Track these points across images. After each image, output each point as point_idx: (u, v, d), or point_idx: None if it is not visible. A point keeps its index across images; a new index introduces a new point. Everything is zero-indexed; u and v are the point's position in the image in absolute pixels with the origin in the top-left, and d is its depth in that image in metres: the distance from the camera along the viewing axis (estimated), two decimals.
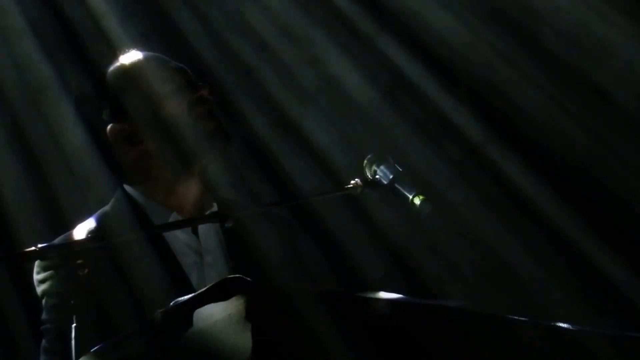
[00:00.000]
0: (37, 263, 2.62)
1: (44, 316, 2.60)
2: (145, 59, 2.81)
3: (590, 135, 4.37)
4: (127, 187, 2.77)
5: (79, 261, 2.15)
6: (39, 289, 2.62)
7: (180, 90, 2.74)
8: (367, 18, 4.56)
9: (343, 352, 1.65)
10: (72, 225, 2.71)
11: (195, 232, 2.71)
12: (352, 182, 2.56)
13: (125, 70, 2.79)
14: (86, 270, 2.15)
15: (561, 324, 1.89)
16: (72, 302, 2.16)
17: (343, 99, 4.66)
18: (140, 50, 2.85)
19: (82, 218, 2.74)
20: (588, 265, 4.26)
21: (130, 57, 2.82)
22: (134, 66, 2.79)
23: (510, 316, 1.86)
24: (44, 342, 2.59)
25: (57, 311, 2.55)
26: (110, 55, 2.91)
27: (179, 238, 2.69)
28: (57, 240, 2.57)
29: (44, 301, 2.61)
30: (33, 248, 2.15)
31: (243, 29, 4.58)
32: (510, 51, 4.48)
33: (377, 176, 2.54)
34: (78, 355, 1.93)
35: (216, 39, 4.54)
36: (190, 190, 2.74)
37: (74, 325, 2.13)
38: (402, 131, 4.53)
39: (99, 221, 2.69)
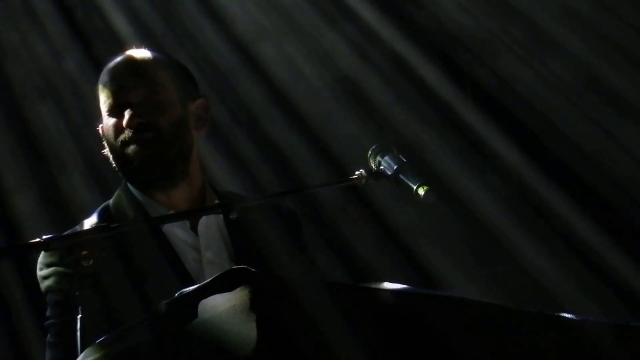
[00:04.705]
0: (40, 260, 2.62)
1: (48, 312, 2.60)
2: (111, 69, 2.70)
3: (593, 126, 4.36)
4: (128, 183, 2.75)
5: (84, 252, 2.16)
6: (43, 285, 2.62)
7: (111, 112, 2.68)
8: (370, 6, 4.56)
9: (348, 342, 1.65)
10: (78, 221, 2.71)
11: (193, 229, 2.69)
12: (357, 172, 2.56)
13: (102, 74, 2.73)
14: (91, 262, 2.15)
15: (565, 315, 1.89)
16: (77, 293, 2.17)
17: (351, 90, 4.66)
18: (133, 49, 2.75)
19: (87, 213, 2.74)
20: (594, 257, 4.26)
21: (114, 60, 2.73)
22: (104, 72, 2.72)
23: (513, 307, 1.87)
24: (49, 337, 2.59)
25: (61, 306, 2.55)
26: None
27: (177, 235, 2.68)
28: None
29: (48, 297, 2.61)
30: (38, 239, 2.16)
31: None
32: (515, 42, 4.48)
33: (381, 167, 2.54)
34: (84, 347, 1.93)
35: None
36: (182, 193, 2.71)
37: (80, 316, 2.14)
38: (406, 122, 4.53)
39: (101, 215, 2.69)
